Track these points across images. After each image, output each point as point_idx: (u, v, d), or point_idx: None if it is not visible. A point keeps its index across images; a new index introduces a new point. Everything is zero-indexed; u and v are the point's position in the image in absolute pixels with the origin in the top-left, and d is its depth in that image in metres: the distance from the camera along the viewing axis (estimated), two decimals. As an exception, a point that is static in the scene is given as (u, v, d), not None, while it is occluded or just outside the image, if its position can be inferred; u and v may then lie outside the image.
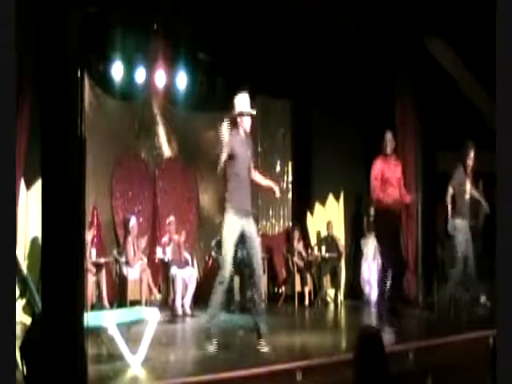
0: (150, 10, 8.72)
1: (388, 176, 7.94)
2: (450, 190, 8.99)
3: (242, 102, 6.69)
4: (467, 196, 9.01)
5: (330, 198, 11.74)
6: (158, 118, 10.96)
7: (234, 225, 6.50)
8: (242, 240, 6.58)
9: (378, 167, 7.95)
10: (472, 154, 8.97)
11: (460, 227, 8.90)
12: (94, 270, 8.97)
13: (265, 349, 6.53)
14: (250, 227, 6.60)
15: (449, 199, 9.01)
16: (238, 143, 6.59)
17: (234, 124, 6.68)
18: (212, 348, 6.54)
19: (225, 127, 6.55)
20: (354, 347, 3.47)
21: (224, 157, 6.47)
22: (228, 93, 10.75)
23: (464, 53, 9.85)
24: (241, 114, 6.65)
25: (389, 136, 8.08)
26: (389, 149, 8.05)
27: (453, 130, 10.36)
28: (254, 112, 6.76)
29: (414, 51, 10.25)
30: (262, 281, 6.75)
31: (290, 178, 12.23)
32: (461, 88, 10.23)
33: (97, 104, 10.00)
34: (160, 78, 10.14)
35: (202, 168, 11.41)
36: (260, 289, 6.64)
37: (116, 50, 9.36)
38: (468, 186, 9.02)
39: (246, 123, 6.69)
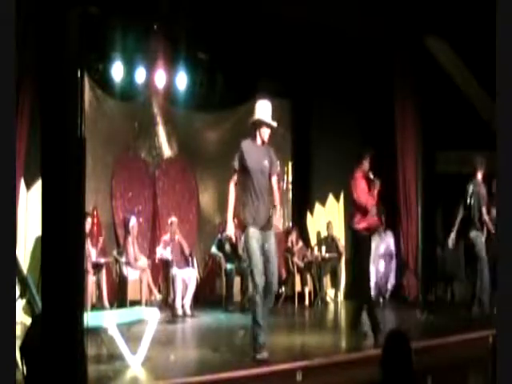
0: (150, 10, 8.72)
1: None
2: (461, 209, 8.97)
3: (263, 109, 6.28)
4: (478, 209, 8.86)
5: (330, 198, 11.74)
6: (158, 118, 10.95)
7: (256, 238, 6.17)
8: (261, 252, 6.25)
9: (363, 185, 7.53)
10: (479, 168, 8.91)
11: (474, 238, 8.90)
12: (92, 270, 8.95)
13: (264, 354, 6.14)
14: (269, 240, 6.25)
15: (459, 217, 8.99)
16: (252, 153, 6.25)
17: (251, 132, 6.33)
18: (266, 354, 6.14)
19: (245, 143, 6.28)
20: (382, 348, 3.49)
21: (235, 170, 6.27)
22: (228, 93, 10.82)
23: (464, 53, 9.85)
24: (259, 123, 6.25)
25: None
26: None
27: (453, 130, 10.37)
28: (275, 124, 6.32)
29: (414, 51, 10.25)
30: (273, 292, 6.35)
31: (290, 178, 12.23)
32: (461, 88, 10.23)
33: (97, 104, 10.00)
34: (160, 78, 10.13)
35: (202, 168, 11.42)
36: (271, 301, 6.33)
37: (116, 50, 9.35)
38: (479, 198, 8.86)
39: (263, 133, 6.27)
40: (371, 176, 7.48)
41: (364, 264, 7.62)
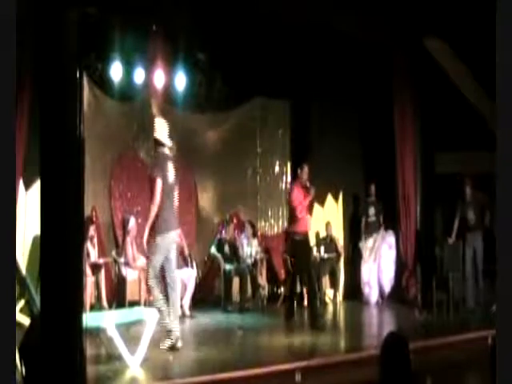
0: (149, 10, 8.71)
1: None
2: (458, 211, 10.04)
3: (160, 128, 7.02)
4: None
5: (329, 198, 11.73)
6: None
7: (163, 251, 6.77)
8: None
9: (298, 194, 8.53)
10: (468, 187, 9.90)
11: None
12: (91, 271, 8.95)
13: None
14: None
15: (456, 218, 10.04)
16: (164, 167, 6.90)
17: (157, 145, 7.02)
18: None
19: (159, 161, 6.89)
20: (380, 350, 3.49)
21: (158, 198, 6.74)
22: (227, 93, 10.82)
23: (464, 53, 9.84)
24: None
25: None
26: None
27: (452, 131, 10.37)
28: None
29: (414, 52, 10.24)
30: (178, 295, 7.04)
31: (289, 179, 12.22)
32: (460, 88, 10.23)
33: (96, 104, 9.97)
34: (159, 79, 10.11)
35: (201, 168, 11.40)
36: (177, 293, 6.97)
37: (115, 50, 9.33)
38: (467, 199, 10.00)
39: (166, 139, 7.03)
40: (308, 184, 8.58)
41: (300, 265, 8.67)
